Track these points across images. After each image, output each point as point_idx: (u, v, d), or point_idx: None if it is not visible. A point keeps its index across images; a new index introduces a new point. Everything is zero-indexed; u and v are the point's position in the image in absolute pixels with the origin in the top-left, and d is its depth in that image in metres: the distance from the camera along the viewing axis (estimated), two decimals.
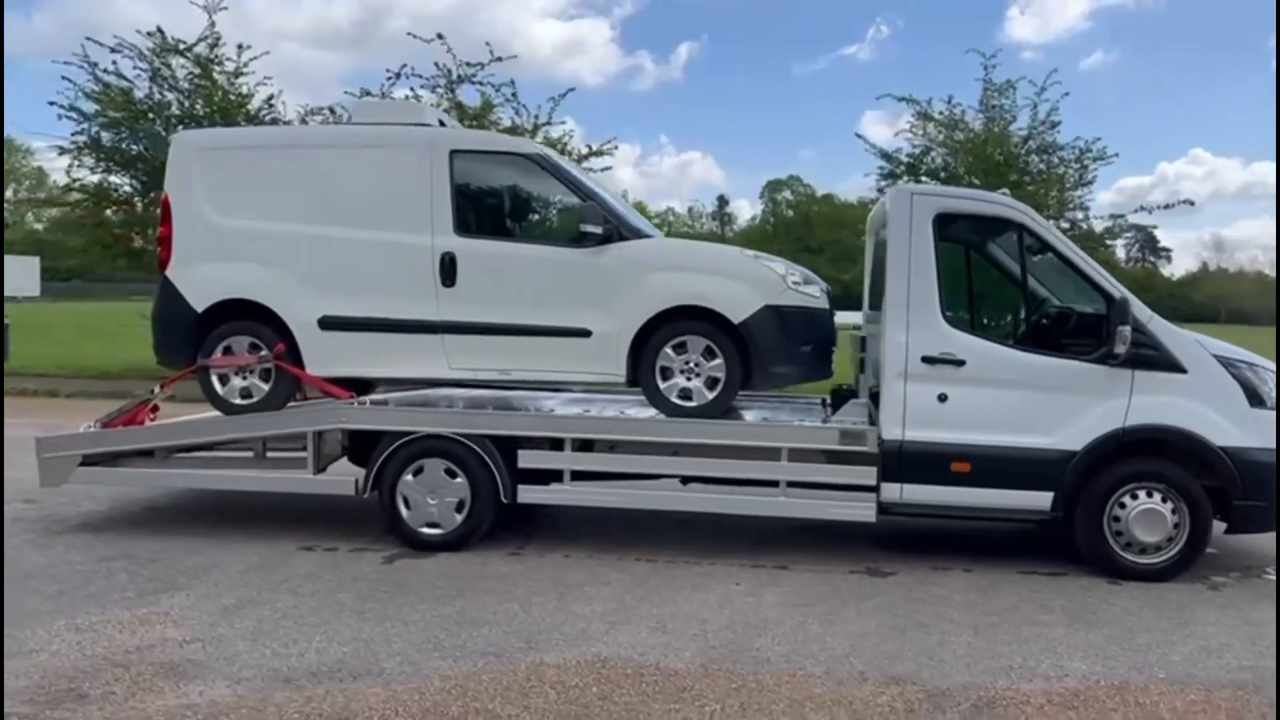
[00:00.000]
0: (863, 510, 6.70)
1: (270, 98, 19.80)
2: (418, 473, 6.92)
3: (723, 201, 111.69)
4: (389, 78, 18.65)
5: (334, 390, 7.25)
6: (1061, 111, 17.97)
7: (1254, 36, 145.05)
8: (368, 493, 7.02)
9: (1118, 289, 6.50)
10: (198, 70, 19.34)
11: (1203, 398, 6.47)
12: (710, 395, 6.91)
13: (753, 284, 6.90)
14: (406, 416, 7.02)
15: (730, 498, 6.94)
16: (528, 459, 6.92)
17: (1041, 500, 6.56)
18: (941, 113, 18.53)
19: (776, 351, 6.87)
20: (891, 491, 6.67)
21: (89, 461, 7.30)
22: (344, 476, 7.17)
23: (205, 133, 8.33)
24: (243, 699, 4.48)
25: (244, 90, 19.72)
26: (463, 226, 7.09)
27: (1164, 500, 6.49)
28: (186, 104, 19.53)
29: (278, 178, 7.27)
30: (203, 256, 7.27)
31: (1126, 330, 6.29)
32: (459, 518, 6.90)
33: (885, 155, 19.24)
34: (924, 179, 19.05)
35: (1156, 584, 6.46)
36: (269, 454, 7.68)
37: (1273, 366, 6.68)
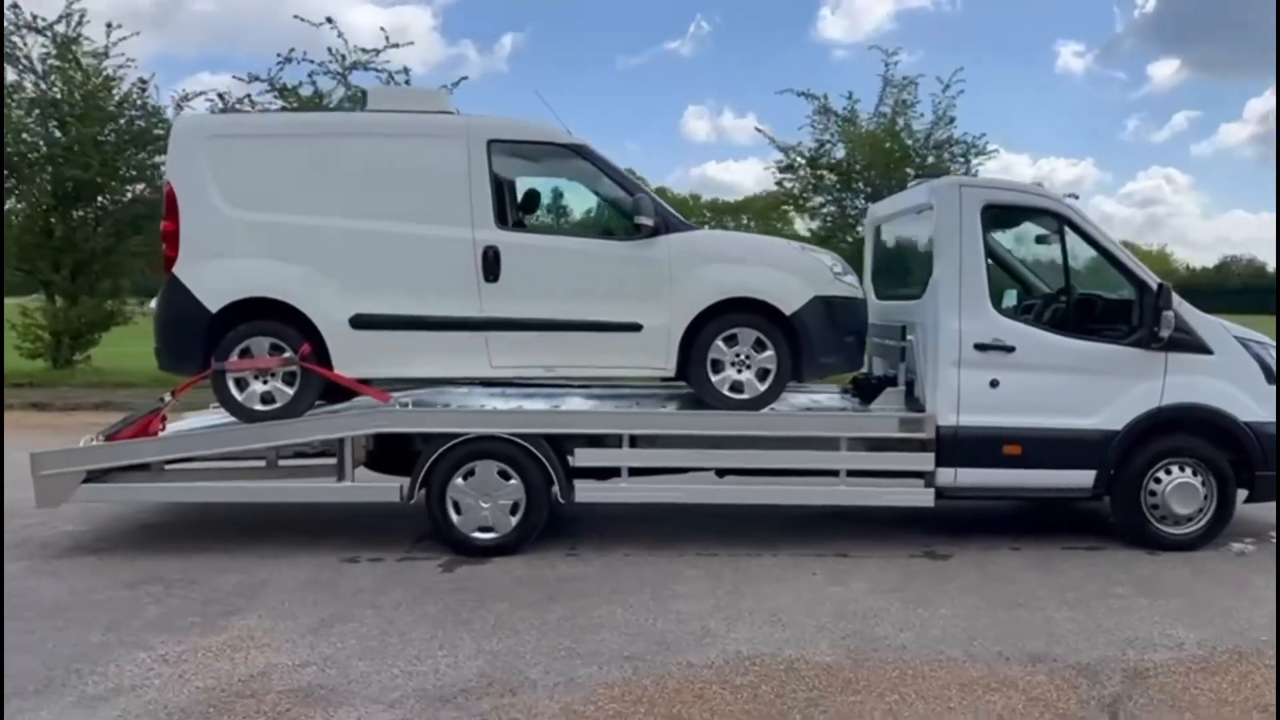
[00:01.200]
0: (922, 496, 6.85)
1: (143, 82, 18.56)
2: (468, 475, 6.63)
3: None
4: (278, 62, 17.83)
5: (371, 393, 6.85)
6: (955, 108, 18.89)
7: (1040, 42, 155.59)
8: (414, 499, 6.68)
9: (1153, 276, 6.86)
10: (55, 51, 17.93)
11: (1228, 377, 6.91)
12: (762, 387, 6.89)
13: (803, 275, 6.93)
14: (456, 418, 6.70)
15: (794, 489, 6.96)
16: (585, 457, 6.75)
17: (1085, 479, 6.87)
18: (845, 108, 19.11)
19: (825, 342, 6.92)
20: (946, 476, 6.84)
21: (89, 478, 6.65)
22: (385, 483, 6.79)
23: (213, 118, 7.67)
24: None
25: (109, 74, 18.41)
26: (504, 219, 6.84)
27: (1195, 474, 6.90)
28: (43, 87, 18.10)
29: (299, 167, 6.79)
30: (216, 252, 6.72)
31: (1171, 315, 6.65)
32: (513, 520, 6.65)
33: (784, 149, 19.65)
34: (823, 172, 19.65)
35: (1190, 553, 6.87)
36: (281, 462, 7.21)
37: (1273, 344, 7.19)
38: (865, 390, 7.63)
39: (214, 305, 6.65)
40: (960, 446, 6.79)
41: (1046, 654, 5.03)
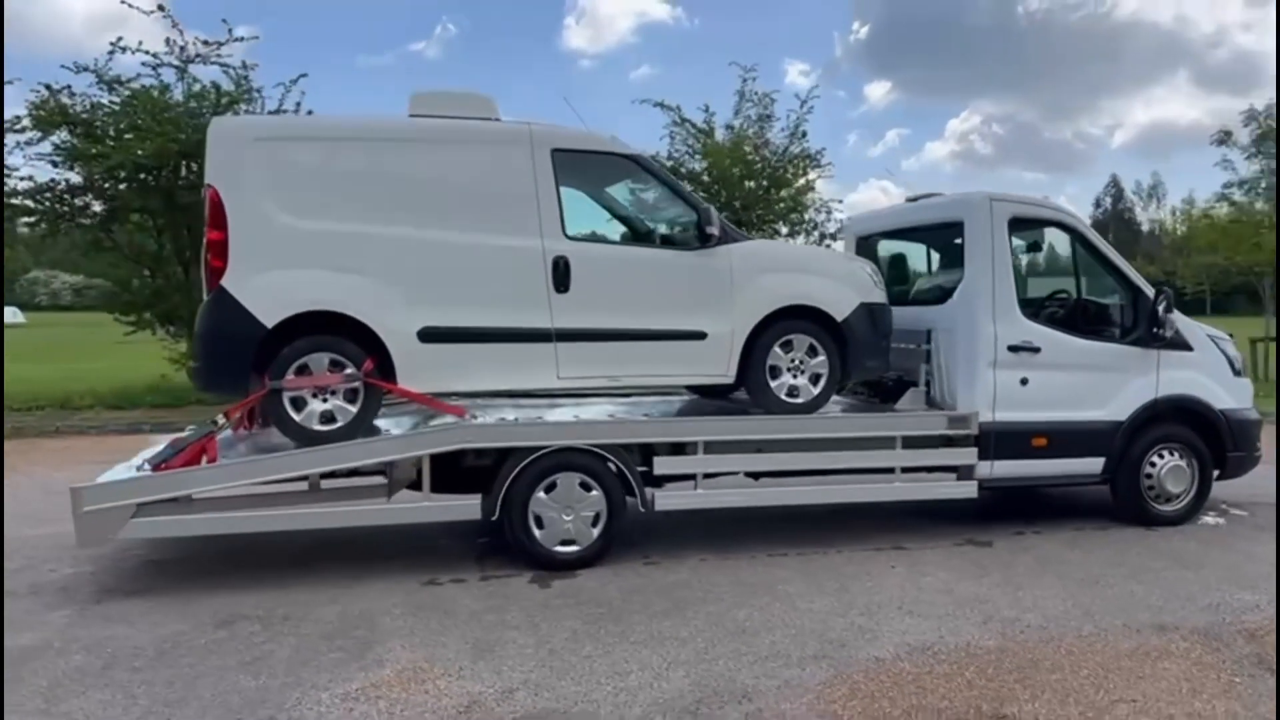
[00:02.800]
0: (966, 489, 7.37)
1: None
2: (550, 489, 6.53)
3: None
4: (109, 50, 16.38)
5: (445, 407, 6.61)
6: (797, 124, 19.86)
7: (770, 60, 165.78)
8: (495, 514, 6.49)
9: (1146, 283, 7.70)
10: None
11: (1204, 370, 7.88)
12: (815, 391, 7.18)
13: (851, 283, 7.27)
14: (540, 431, 6.57)
15: (859, 487, 7.29)
16: (664, 465, 6.80)
17: (1096, 465, 7.62)
18: (706, 121, 19.64)
19: (869, 347, 7.29)
20: (984, 469, 7.38)
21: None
22: (465, 501, 6.54)
23: (257, 121, 6.99)
24: None
25: None
26: (573, 228, 6.77)
27: (1181, 457, 7.79)
28: None
29: (359, 173, 6.44)
30: (271, 263, 6.27)
31: (1174, 317, 7.49)
32: (594, 532, 6.61)
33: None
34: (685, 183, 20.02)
35: (1179, 527, 7.78)
36: (323, 484, 6.81)
37: (1230, 339, 8.22)
38: (883, 391, 8.07)
39: (270, 320, 6.20)
40: (997, 441, 7.36)
41: (1161, 623, 5.59)
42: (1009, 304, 7.41)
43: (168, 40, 16.70)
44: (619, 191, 7.46)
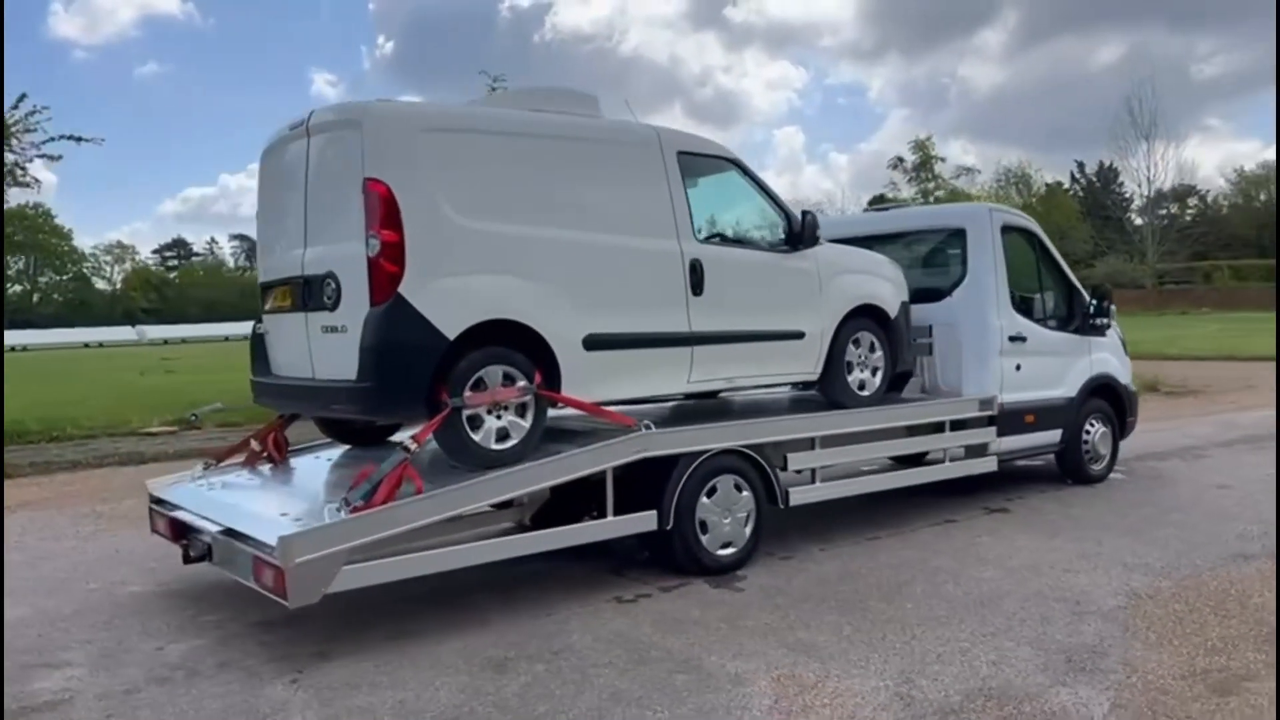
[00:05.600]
0: (988, 464, 8.35)
1: None
2: (711, 493, 6.51)
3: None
4: None
5: (615, 417, 6.28)
6: None
7: (294, 69, 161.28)
8: (669, 524, 6.33)
9: (1078, 281, 9.22)
10: None
11: (1113, 352, 9.58)
12: (877, 384, 7.78)
13: (895, 284, 7.97)
14: (703, 435, 6.50)
15: (928, 469, 8.01)
16: (795, 461, 7.02)
17: (1056, 435, 8.97)
18: None
19: (908, 341, 8.04)
20: (993, 445, 8.41)
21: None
22: (641, 514, 6.26)
23: (420, 108, 5.72)
24: None
25: None
26: (700, 232, 6.77)
27: (1104, 424, 9.39)
28: None
29: (523, 171, 5.98)
30: (449, 269, 5.63)
31: (1113, 309, 9.03)
32: (747, 532, 6.69)
33: None
34: None
35: (1109, 481, 9.41)
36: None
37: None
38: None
39: (452, 331, 5.59)
40: (1004, 420, 8.42)
41: (1242, 553, 6.86)
42: (1006, 300, 8.53)
43: None
44: (725, 194, 7.51)
